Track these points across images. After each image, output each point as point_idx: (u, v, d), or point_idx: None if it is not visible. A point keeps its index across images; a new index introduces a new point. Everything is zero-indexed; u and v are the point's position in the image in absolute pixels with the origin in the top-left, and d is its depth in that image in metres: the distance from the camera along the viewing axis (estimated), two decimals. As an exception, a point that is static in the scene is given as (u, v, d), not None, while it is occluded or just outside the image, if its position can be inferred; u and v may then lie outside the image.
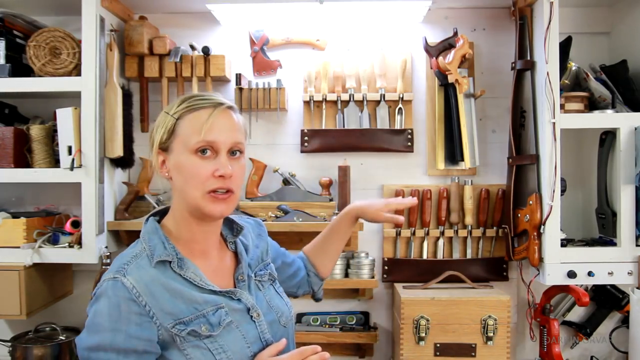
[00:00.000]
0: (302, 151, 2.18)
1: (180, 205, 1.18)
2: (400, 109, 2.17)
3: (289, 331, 1.29)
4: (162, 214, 1.25)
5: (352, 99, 2.17)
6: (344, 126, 2.17)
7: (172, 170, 1.16)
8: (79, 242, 1.93)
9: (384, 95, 2.16)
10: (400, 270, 2.18)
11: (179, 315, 1.09)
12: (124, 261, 1.12)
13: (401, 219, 1.53)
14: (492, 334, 1.90)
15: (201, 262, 1.19)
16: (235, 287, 1.22)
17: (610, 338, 2.17)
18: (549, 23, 1.87)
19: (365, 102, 2.17)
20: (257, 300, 1.23)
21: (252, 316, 1.19)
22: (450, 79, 2.02)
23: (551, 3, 1.86)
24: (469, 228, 2.16)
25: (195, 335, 1.09)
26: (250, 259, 1.31)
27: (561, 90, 1.94)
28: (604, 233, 2.01)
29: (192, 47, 2.12)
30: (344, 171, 2.11)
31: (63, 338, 2.00)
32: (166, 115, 1.17)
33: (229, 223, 1.31)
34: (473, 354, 1.91)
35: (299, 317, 2.16)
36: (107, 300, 1.06)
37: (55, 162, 1.99)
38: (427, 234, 2.17)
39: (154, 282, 1.09)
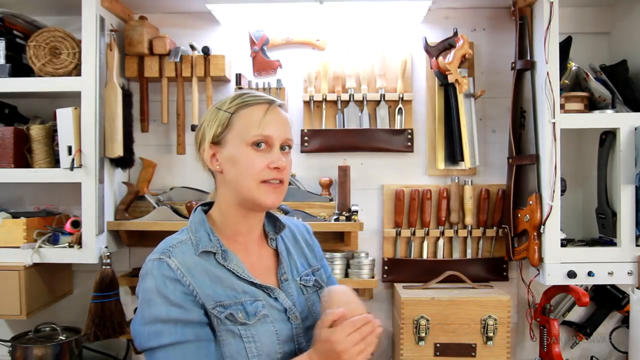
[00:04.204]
0: (302, 151, 2.17)
1: (229, 197, 1.22)
2: (400, 109, 2.17)
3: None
4: (210, 205, 1.28)
5: (352, 99, 2.17)
6: (344, 126, 2.17)
7: (224, 162, 1.20)
8: (79, 242, 1.93)
9: (384, 95, 2.16)
10: (400, 270, 2.18)
11: (218, 298, 1.13)
12: (170, 244, 1.16)
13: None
14: (492, 334, 1.90)
15: (241, 256, 1.21)
16: (278, 286, 1.24)
17: (610, 338, 2.17)
18: (549, 23, 1.87)
19: (365, 102, 2.17)
20: (298, 303, 1.24)
21: (289, 317, 1.20)
22: (450, 79, 2.01)
23: (551, 3, 1.86)
24: (469, 228, 2.16)
25: (231, 319, 1.13)
26: (295, 261, 1.31)
27: (561, 90, 1.94)
28: (604, 233, 2.00)
29: (192, 47, 2.12)
30: (344, 171, 2.10)
31: (63, 338, 1.99)
32: (218, 111, 1.21)
33: (273, 220, 1.34)
34: (473, 354, 1.91)
35: (299, 317, 2.16)
36: (153, 279, 1.10)
37: (55, 162, 1.98)
38: (427, 234, 2.17)
39: (197, 267, 1.14)
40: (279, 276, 1.26)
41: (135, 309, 1.16)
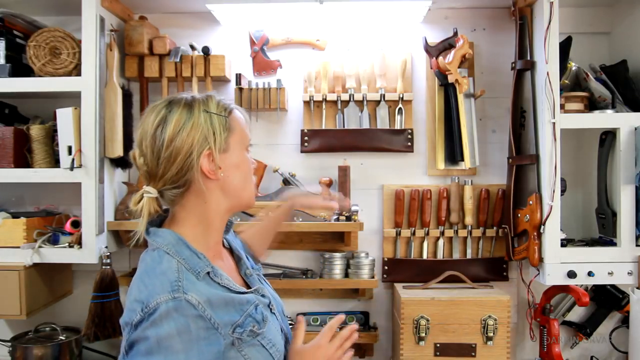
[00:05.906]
0: (302, 151, 2.18)
1: (221, 205, 1.15)
2: (400, 109, 2.17)
3: (286, 321, 1.31)
4: (157, 224, 1.19)
5: (352, 99, 2.17)
6: (344, 126, 2.17)
7: (229, 169, 1.13)
8: (79, 242, 1.93)
9: (384, 95, 2.16)
10: (400, 270, 2.18)
11: (232, 320, 1.07)
12: (173, 278, 1.04)
13: (335, 205, 1.52)
14: (492, 334, 1.90)
15: (218, 264, 1.17)
16: (244, 284, 1.23)
17: (610, 338, 2.17)
18: (549, 23, 1.87)
19: (365, 102, 2.17)
20: (268, 293, 1.25)
21: (271, 309, 1.21)
22: (450, 79, 2.01)
23: (551, 3, 1.86)
24: (469, 228, 2.16)
25: (251, 334, 1.09)
26: (244, 255, 1.32)
27: (561, 90, 1.94)
28: (604, 233, 2.00)
29: (192, 47, 2.12)
30: (344, 171, 2.10)
31: (63, 338, 2.00)
32: (210, 115, 1.10)
33: None
34: (473, 354, 1.91)
35: (299, 317, 2.16)
36: (174, 322, 1.00)
37: (55, 162, 1.98)
38: (427, 234, 2.17)
39: (211, 295, 1.07)
40: (243, 272, 1.24)
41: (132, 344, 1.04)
